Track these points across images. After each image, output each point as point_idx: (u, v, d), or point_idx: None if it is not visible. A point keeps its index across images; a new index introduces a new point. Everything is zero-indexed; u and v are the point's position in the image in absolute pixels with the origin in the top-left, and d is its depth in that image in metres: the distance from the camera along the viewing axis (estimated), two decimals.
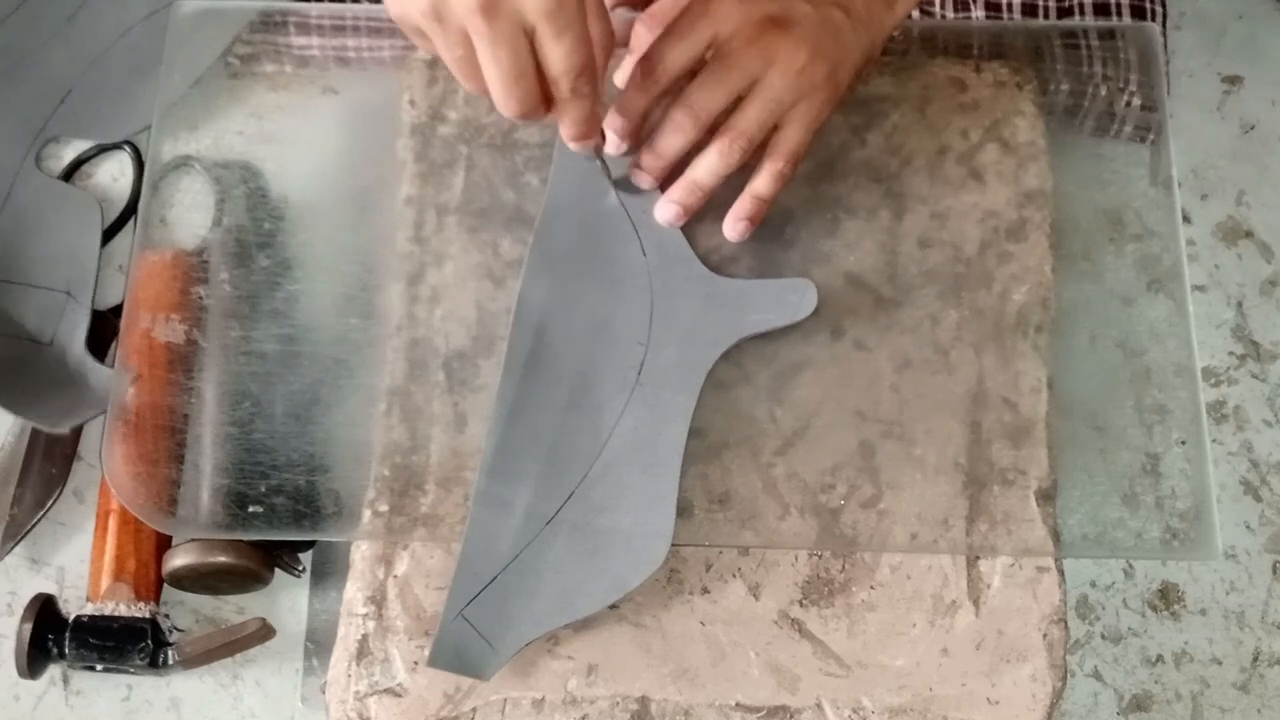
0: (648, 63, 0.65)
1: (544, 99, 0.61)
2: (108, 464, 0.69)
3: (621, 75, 0.71)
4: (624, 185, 0.70)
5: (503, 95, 0.59)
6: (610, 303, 0.69)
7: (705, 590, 0.68)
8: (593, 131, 0.64)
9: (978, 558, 0.69)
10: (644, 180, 0.69)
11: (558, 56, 0.58)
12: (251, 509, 0.69)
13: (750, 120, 0.65)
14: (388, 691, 0.66)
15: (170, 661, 0.82)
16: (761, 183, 0.68)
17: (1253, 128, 1.01)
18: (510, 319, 0.70)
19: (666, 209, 0.69)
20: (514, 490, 0.66)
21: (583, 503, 0.66)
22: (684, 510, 0.68)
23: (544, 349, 0.69)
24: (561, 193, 0.72)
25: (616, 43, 0.76)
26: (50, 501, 0.86)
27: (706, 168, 0.66)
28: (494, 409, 0.68)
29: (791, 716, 0.66)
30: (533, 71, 0.59)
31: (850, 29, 0.66)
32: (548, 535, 0.66)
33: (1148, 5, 0.84)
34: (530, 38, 0.58)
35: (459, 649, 0.64)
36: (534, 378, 0.68)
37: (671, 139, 0.66)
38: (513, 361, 0.69)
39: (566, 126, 0.63)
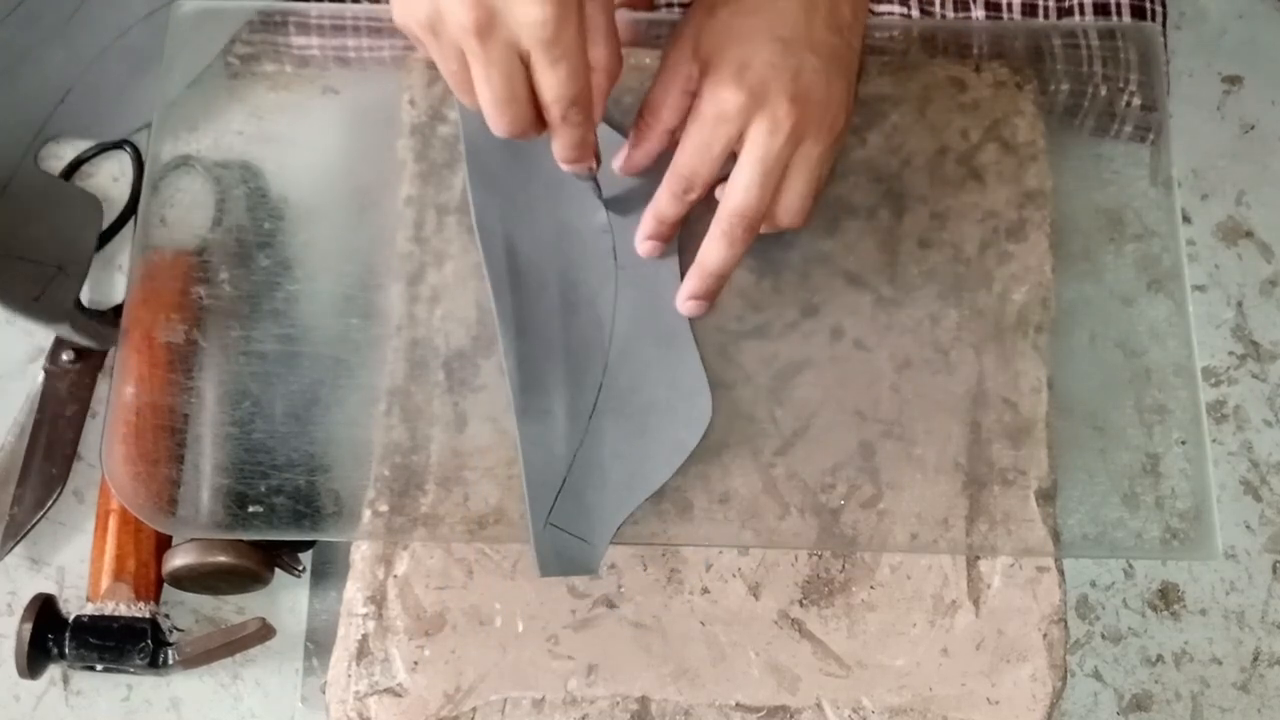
0: (680, 176, 0.64)
1: (536, 120, 0.60)
2: (108, 464, 0.69)
3: (618, 162, 0.69)
4: (614, 205, 0.70)
5: (493, 115, 0.59)
6: (563, 203, 0.70)
7: (705, 590, 0.68)
8: (585, 156, 0.63)
9: (978, 558, 0.69)
10: (698, 308, 0.69)
11: (550, 85, 0.58)
12: (251, 509, 0.69)
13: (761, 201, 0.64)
14: (388, 691, 0.66)
15: (170, 661, 0.82)
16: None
17: (1253, 128, 1.00)
18: (479, 249, 0.71)
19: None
20: (548, 398, 0.68)
21: (613, 390, 0.68)
22: (684, 510, 0.68)
23: (520, 264, 0.70)
24: (470, 124, 0.72)
25: (622, 43, 0.77)
26: (50, 501, 0.86)
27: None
28: (500, 333, 0.69)
29: (791, 716, 0.66)
30: (525, 95, 0.58)
31: (847, 47, 0.64)
32: (594, 429, 0.67)
33: (1148, 5, 0.84)
34: (525, 62, 0.57)
35: (559, 554, 0.66)
36: (523, 292, 0.70)
37: (730, 253, 0.65)
38: (498, 286, 0.70)
39: (558, 150, 0.63)
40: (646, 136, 0.67)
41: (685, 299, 0.68)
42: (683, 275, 0.69)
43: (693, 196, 0.65)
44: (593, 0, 0.58)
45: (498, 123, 0.59)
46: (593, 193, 0.69)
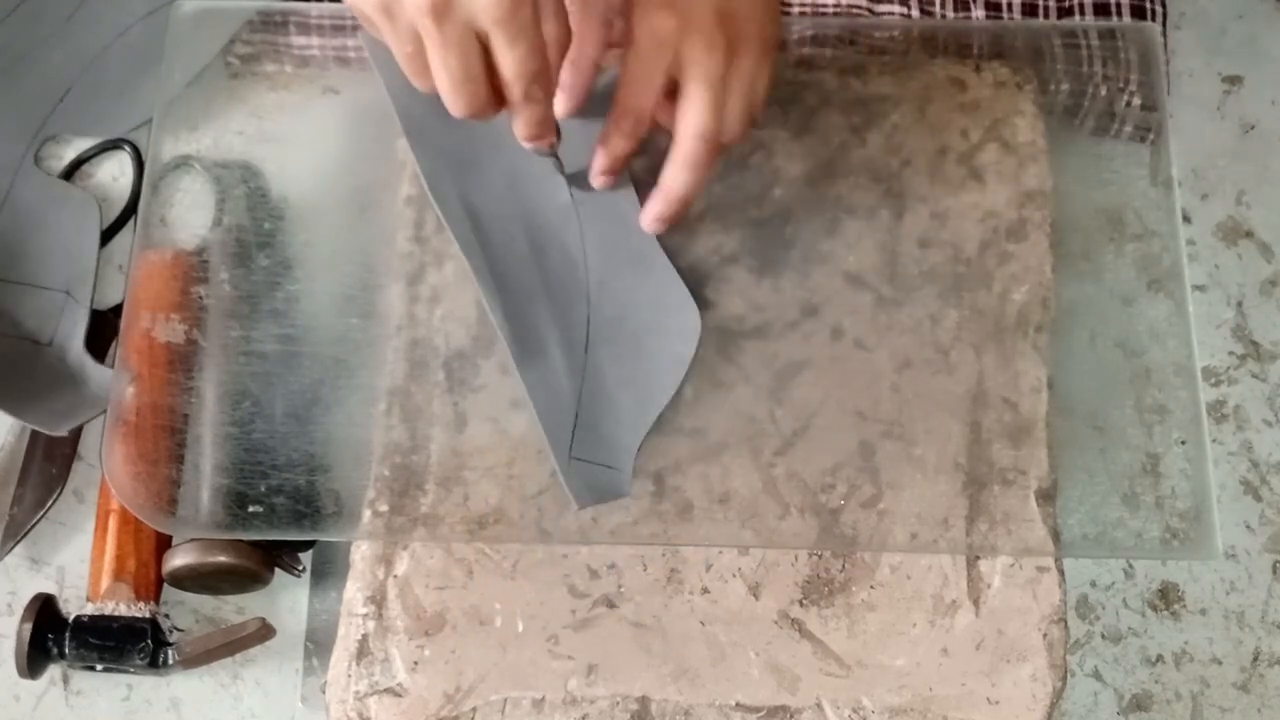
0: (622, 112, 0.64)
1: (494, 99, 0.60)
2: (108, 464, 0.69)
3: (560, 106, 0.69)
4: (577, 180, 0.71)
5: (451, 96, 0.59)
6: (507, 150, 0.69)
7: (705, 590, 0.68)
8: (547, 132, 0.63)
9: (978, 558, 0.69)
10: (662, 227, 0.69)
11: (509, 63, 0.57)
12: (251, 509, 0.69)
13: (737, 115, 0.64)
14: (388, 691, 0.66)
15: (170, 661, 0.82)
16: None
17: (1253, 127, 1.00)
18: (437, 213, 0.71)
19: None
20: (541, 340, 0.69)
21: (601, 319, 0.70)
22: (684, 510, 0.68)
23: (482, 220, 0.71)
24: (401, 95, 0.72)
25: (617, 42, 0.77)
26: (50, 501, 0.86)
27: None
28: (481, 290, 0.70)
29: (791, 716, 0.66)
30: (482, 74, 0.58)
31: None
32: (593, 360, 0.69)
33: (1148, 5, 0.84)
34: (482, 41, 0.57)
35: (589, 484, 0.67)
36: (491, 247, 0.71)
37: (693, 178, 0.65)
38: (467, 246, 0.70)
39: (520, 127, 0.62)
40: (576, 71, 0.67)
41: (650, 218, 0.68)
42: (640, 197, 0.69)
43: (641, 129, 0.65)
44: None
45: (455, 103, 0.59)
46: (554, 168, 0.69)
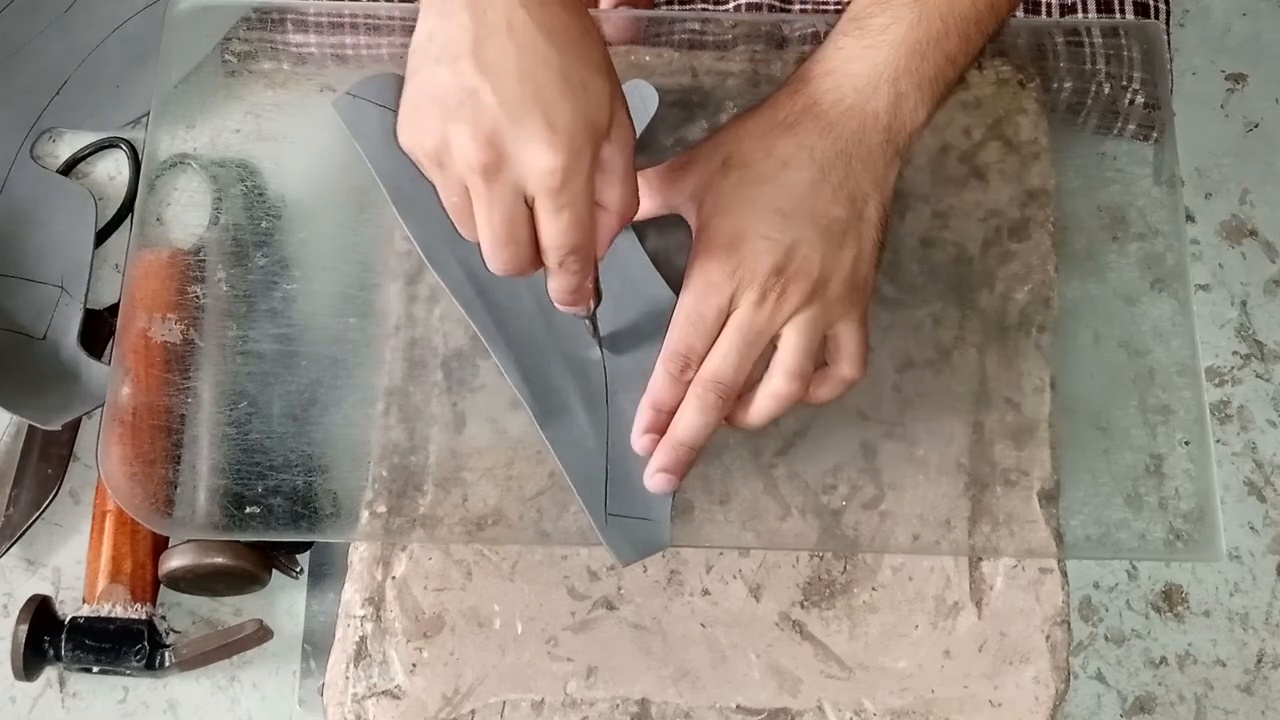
0: (674, 354, 0.61)
1: (535, 260, 0.58)
2: (104, 464, 0.69)
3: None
4: (608, 343, 0.69)
5: (491, 253, 0.57)
6: None
7: (706, 592, 0.68)
8: (580, 300, 0.61)
9: (980, 559, 0.68)
10: (666, 483, 0.63)
11: (552, 233, 0.56)
12: (249, 510, 0.68)
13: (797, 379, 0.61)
14: (386, 694, 0.66)
15: (167, 663, 0.81)
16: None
17: (1256, 126, 1.00)
18: (441, 283, 0.70)
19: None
20: (561, 396, 0.67)
21: (619, 369, 0.68)
22: (684, 511, 0.68)
23: (481, 280, 0.69)
24: (385, 167, 0.72)
25: (619, 40, 0.77)
26: (46, 502, 0.86)
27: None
28: (492, 351, 0.68)
29: (793, 719, 0.66)
30: (526, 237, 0.56)
31: (855, 219, 0.61)
32: (615, 411, 0.67)
33: (1151, 2, 0.84)
34: (529, 205, 0.55)
35: (629, 540, 0.65)
36: (498, 307, 0.69)
37: (700, 422, 0.62)
38: (471, 309, 0.69)
39: (553, 292, 0.60)
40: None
41: (654, 472, 0.63)
42: (644, 246, 0.68)
43: (689, 376, 0.61)
44: (610, 143, 0.56)
45: (494, 260, 0.57)
46: (588, 331, 0.67)
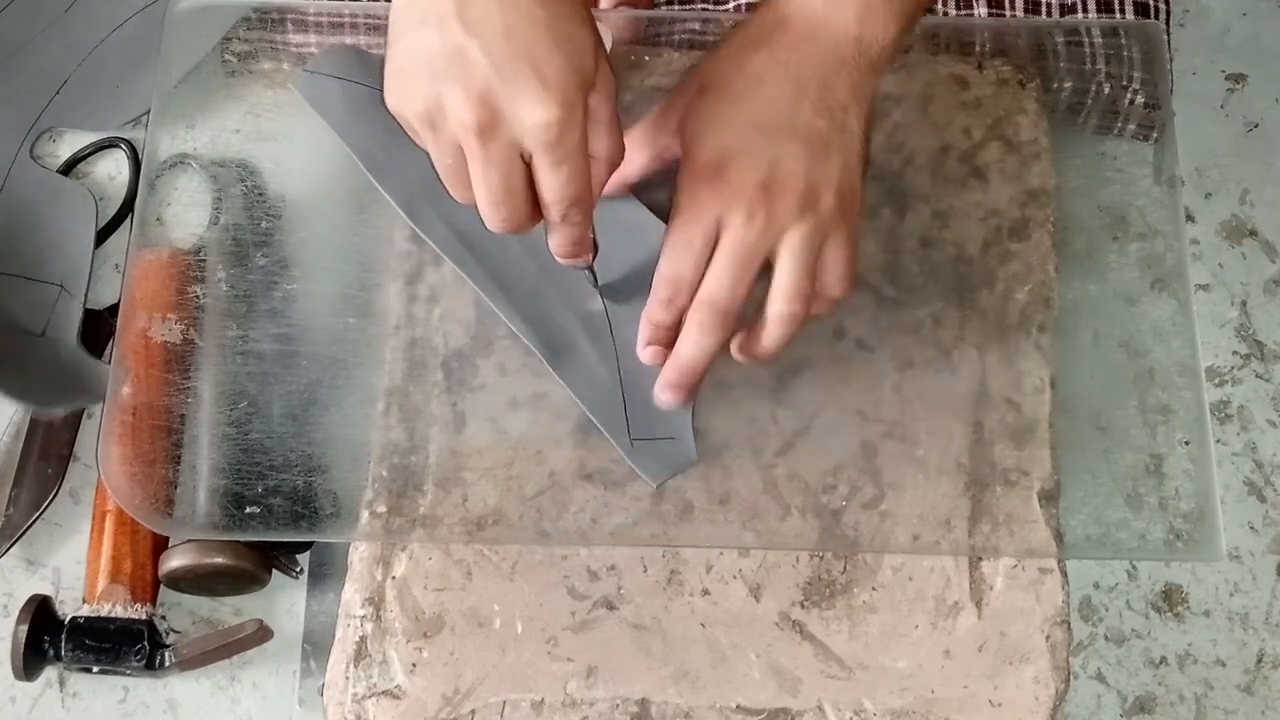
0: (664, 280, 0.61)
1: (533, 215, 0.58)
2: (104, 464, 0.69)
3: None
4: (607, 292, 0.69)
5: (489, 212, 0.57)
6: None
7: (706, 592, 0.68)
8: (583, 251, 0.61)
9: (980, 559, 0.68)
10: (674, 398, 0.64)
11: (552, 186, 0.56)
12: (249, 510, 0.68)
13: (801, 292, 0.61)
14: (386, 694, 0.66)
15: (167, 663, 0.81)
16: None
17: (1256, 126, 1.00)
18: (430, 242, 0.71)
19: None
20: (566, 334, 0.69)
21: (617, 297, 0.69)
22: (684, 511, 0.68)
23: (471, 237, 0.70)
24: (358, 140, 0.72)
25: (619, 40, 0.77)
26: (46, 502, 0.86)
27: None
28: (492, 303, 0.69)
29: (793, 719, 0.66)
30: (523, 192, 0.56)
31: (837, 131, 0.61)
32: (621, 341, 0.68)
33: (1151, 2, 0.84)
34: (525, 160, 0.55)
35: (657, 460, 0.67)
36: (489, 257, 0.70)
37: (701, 343, 0.61)
38: (463, 262, 0.70)
39: (555, 245, 0.61)
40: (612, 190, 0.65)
41: (662, 388, 0.64)
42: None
43: (682, 300, 0.61)
44: (596, 92, 0.56)
45: (493, 219, 0.57)
46: (588, 280, 0.68)
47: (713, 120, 0.61)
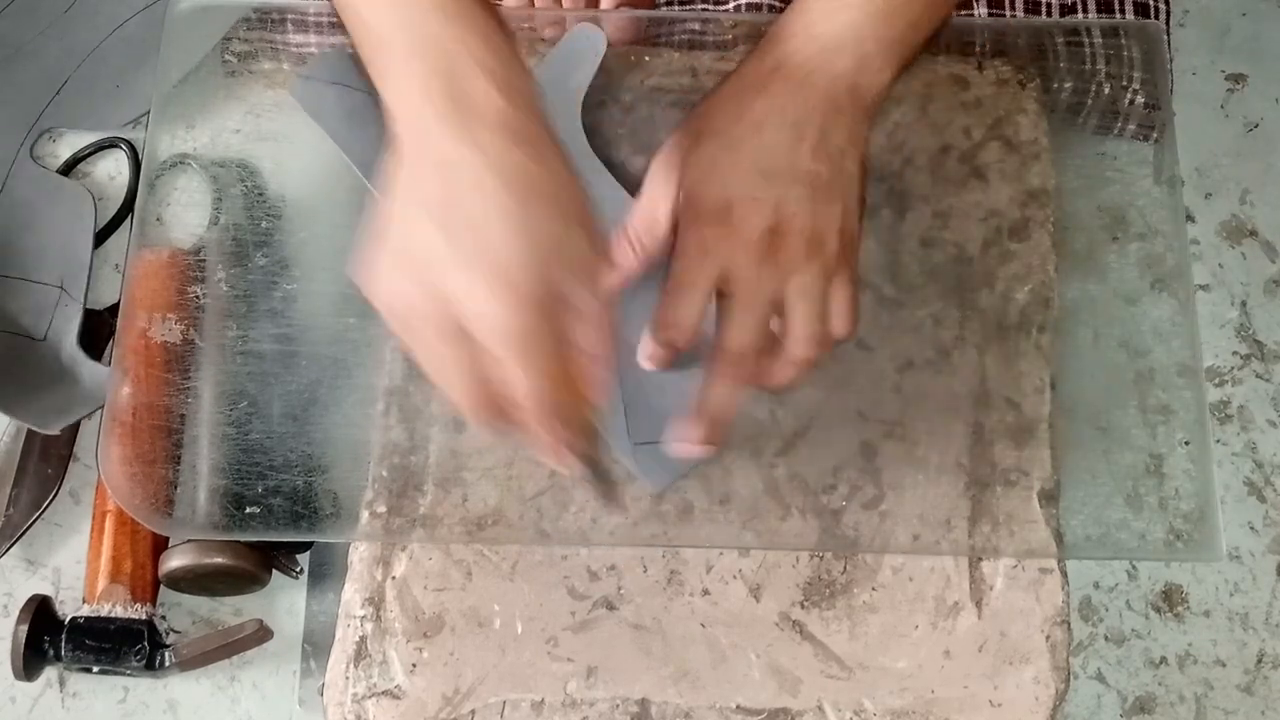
0: (666, 324, 0.60)
1: (508, 413, 0.56)
2: (104, 465, 0.69)
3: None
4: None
5: (463, 409, 0.56)
6: None
7: (706, 592, 0.68)
8: (562, 460, 0.58)
9: (980, 559, 0.68)
10: (709, 452, 0.62)
11: (517, 387, 0.54)
12: (249, 510, 0.68)
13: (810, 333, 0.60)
14: (386, 694, 0.66)
15: (167, 663, 0.81)
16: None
17: (1257, 126, 1.00)
18: None
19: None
20: None
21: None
22: (684, 511, 0.68)
23: None
24: (352, 145, 0.72)
25: (619, 40, 0.77)
26: (46, 502, 0.86)
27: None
28: None
29: (793, 719, 0.66)
30: (497, 390, 0.54)
31: (837, 174, 0.61)
32: (622, 345, 0.63)
33: (1151, 2, 0.84)
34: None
35: (659, 464, 0.67)
36: None
37: (731, 397, 0.61)
38: None
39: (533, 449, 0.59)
40: (627, 258, 0.64)
41: (694, 445, 0.62)
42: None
43: (683, 342, 0.60)
44: (584, 286, 0.54)
45: (471, 418, 0.56)
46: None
47: (714, 166, 0.61)
